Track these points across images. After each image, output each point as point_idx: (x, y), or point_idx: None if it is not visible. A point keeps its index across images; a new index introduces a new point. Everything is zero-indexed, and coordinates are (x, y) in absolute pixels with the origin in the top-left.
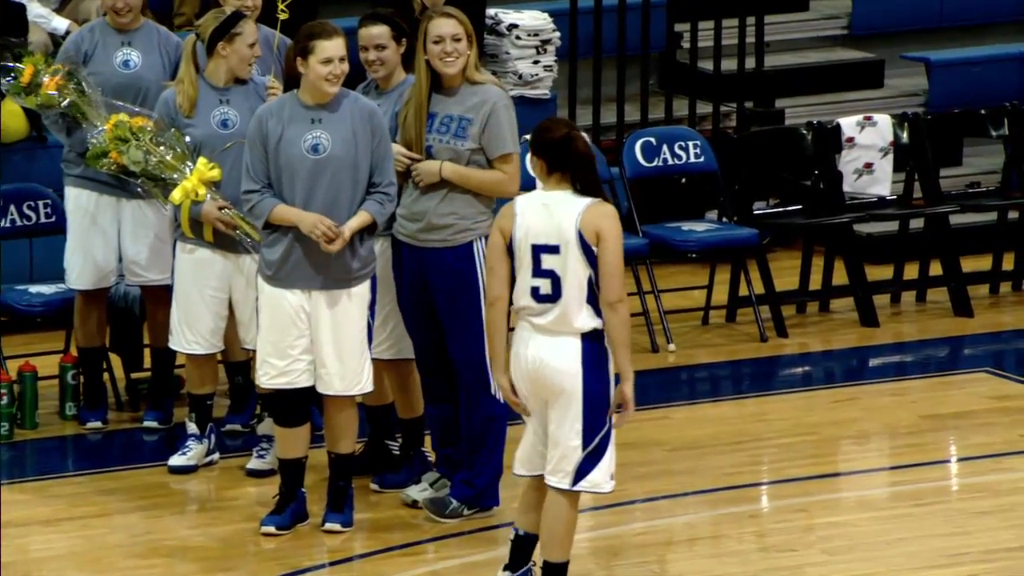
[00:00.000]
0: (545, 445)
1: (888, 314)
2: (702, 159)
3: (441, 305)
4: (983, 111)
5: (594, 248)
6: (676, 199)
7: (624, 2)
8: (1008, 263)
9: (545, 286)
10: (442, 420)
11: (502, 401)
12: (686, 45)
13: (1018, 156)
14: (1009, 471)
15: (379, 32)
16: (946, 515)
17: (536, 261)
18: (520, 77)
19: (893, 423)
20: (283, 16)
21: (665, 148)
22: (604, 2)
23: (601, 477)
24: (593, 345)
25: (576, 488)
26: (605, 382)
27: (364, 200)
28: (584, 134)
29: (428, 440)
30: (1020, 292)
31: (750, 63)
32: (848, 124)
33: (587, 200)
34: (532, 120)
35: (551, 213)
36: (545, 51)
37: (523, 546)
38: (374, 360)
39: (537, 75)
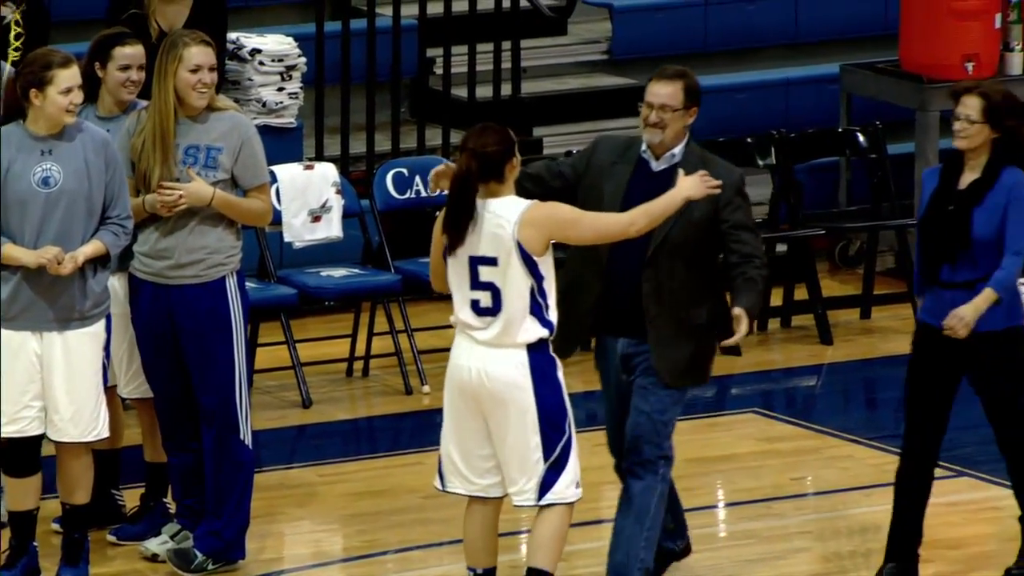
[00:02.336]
0: (477, 460)
1: None
2: None
3: (189, 346)
4: (749, 139)
5: (535, 258)
6: (430, 233)
7: (373, 26)
8: (776, 299)
9: (485, 299)
10: (184, 469)
11: (250, 447)
12: (439, 71)
13: (787, 187)
14: (778, 516)
15: (142, 52)
16: (713, 563)
17: (474, 273)
18: (264, 105)
19: None
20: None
21: (418, 179)
22: (352, 26)
23: (565, 487)
24: (539, 355)
25: (543, 502)
26: (557, 390)
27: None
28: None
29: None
30: (789, 329)
31: (506, 90)
32: None
33: (522, 206)
34: (277, 151)
35: (485, 223)
36: (290, 77)
37: None
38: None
39: (282, 103)
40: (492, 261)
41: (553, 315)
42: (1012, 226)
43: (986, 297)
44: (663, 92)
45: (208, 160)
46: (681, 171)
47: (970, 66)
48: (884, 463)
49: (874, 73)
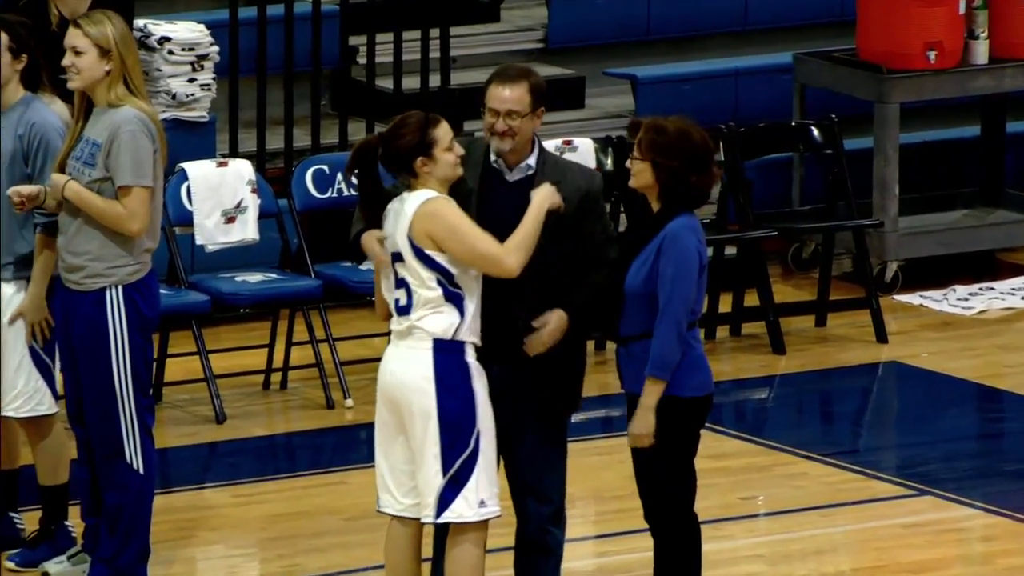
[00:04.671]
0: (400, 476)
1: (593, 363)
2: None
3: (78, 353)
4: None
5: (427, 251)
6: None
7: (291, 12)
8: (726, 305)
9: (402, 297)
10: (89, 484)
11: (141, 472)
12: (362, 61)
13: (736, 185)
14: (727, 539)
15: None
16: None
17: (395, 272)
18: (174, 97)
19: (599, 486)
20: None
21: (339, 177)
22: (268, 12)
23: (466, 506)
24: (446, 356)
25: (440, 520)
26: (463, 398)
27: None
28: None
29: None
30: (739, 338)
31: (435, 80)
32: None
33: (423, 198)
34: (188, 146)
35: (396, 217)
36: (202, 68)
37: None
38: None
39: (193, 95)
40: (400, 257)
41: (472, 305)
42: (661, 286)
43: (651, 392)
44: (508, 96)
45: (88, 157)
46: (540, 187)
47: (932, 55)
48: (840, 481)
49: (830, 63)
